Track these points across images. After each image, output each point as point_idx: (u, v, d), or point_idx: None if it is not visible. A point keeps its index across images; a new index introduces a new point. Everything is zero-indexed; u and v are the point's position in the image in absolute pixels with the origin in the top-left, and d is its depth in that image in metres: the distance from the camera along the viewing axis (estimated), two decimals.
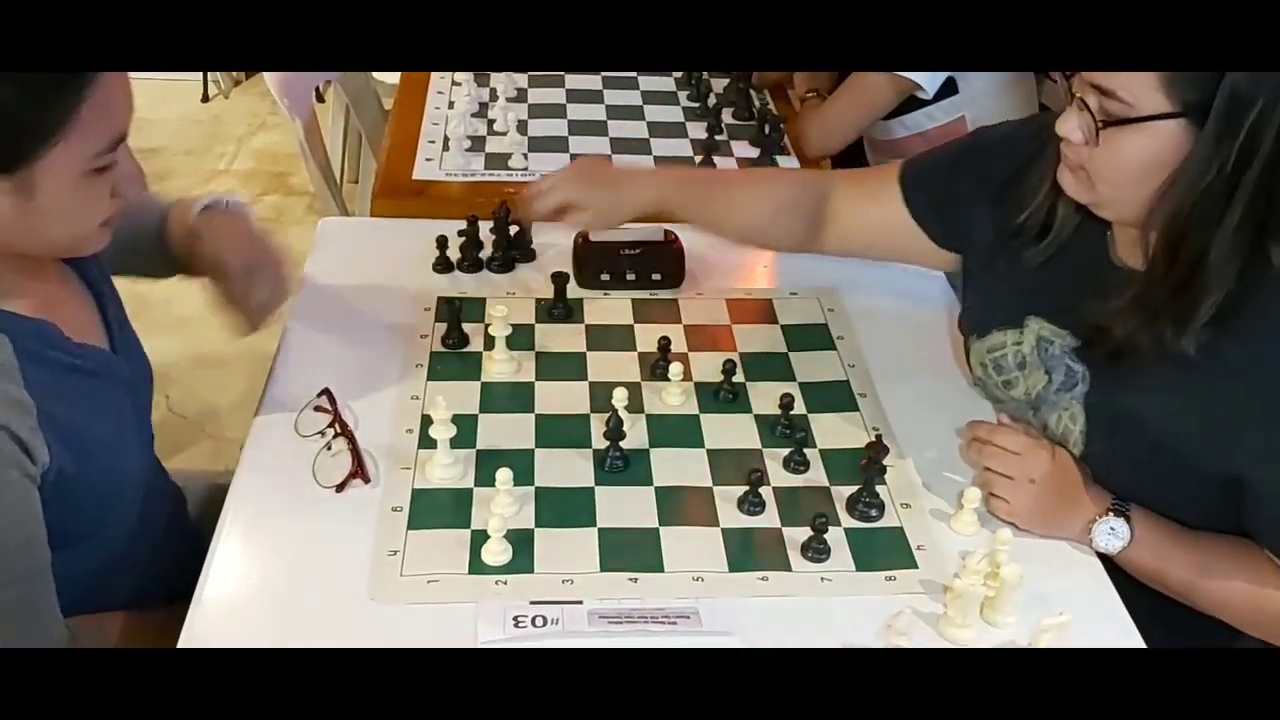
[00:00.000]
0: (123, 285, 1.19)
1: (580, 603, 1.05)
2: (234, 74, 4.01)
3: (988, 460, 1.17)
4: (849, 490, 1.19)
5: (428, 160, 1.81)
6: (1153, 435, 1.11)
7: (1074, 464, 1.16)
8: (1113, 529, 1.13)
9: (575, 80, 2.09)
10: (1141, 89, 0.99)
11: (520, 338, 1.40)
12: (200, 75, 3.88)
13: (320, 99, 3.05)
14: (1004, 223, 1.23)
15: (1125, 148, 1.02)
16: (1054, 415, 1.19)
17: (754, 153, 1.87)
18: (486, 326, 1.35)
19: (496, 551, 1.09)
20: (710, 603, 1.07)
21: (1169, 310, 1.05)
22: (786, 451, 1.24)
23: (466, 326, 1.39)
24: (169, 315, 2.54)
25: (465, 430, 1.22)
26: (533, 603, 1.05)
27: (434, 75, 2.08)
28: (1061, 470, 1.15)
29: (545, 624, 1.03)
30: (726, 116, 1.98)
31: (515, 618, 1.03)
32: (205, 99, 3.93)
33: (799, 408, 1.30)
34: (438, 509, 1.15)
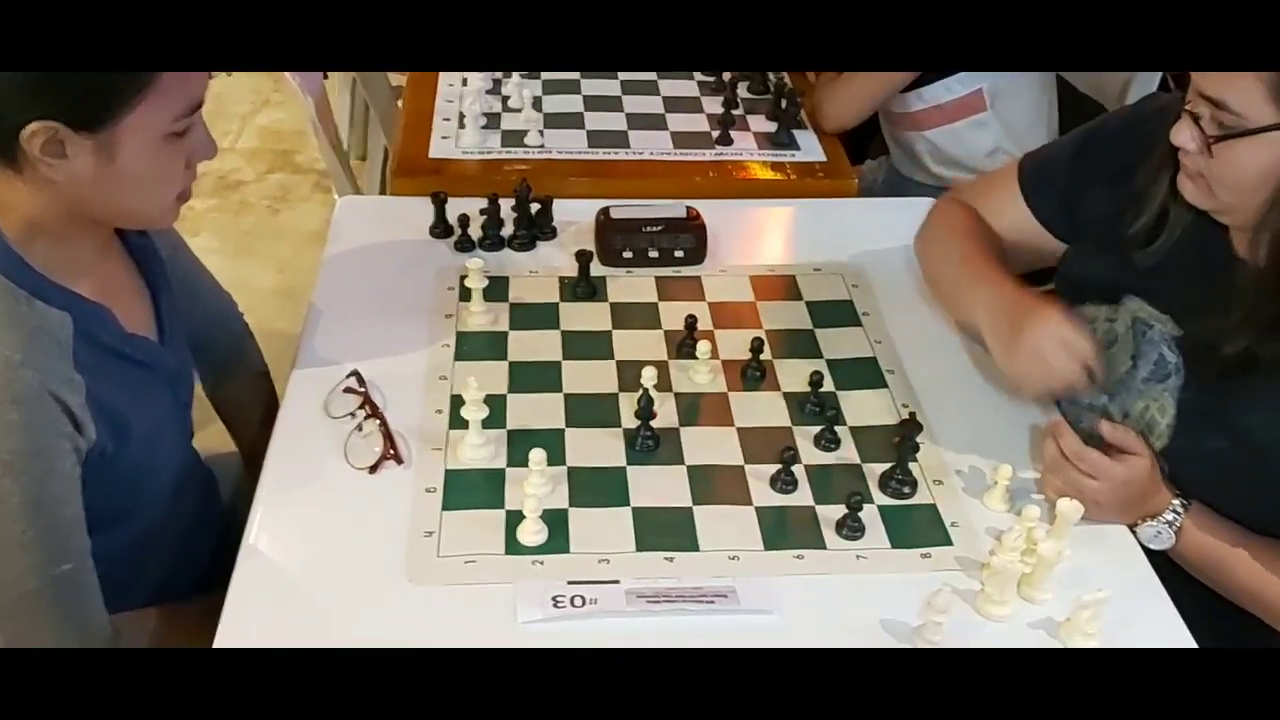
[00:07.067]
0: None
1: (618, 582, 1.05)
2: None
3: (1070, 463, 1.14)
4: (881, 468, 1.19)
5: (444, 138, 1.79)
6: (1258, 445, 1.10)
7: (1140, 482, 1.12)
8: (1159, 533, 1.13)
9: None
10: (1251, 101, 0.98)
11: (544, 316, 1.40)
12: None
13: (326, 75, 3.03)
14: (1117, 204, 1.21)
15: (1241, 158, 1.02)
16: (1139, 404, 1.17)
17: (770, 127, 1.86)
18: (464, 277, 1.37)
19: (532, 532, 1.09)
20: (747, 581, 1.07)
21: None
22: (817, 429, 1.23)
23: (489, 304, 1.39)
24: None
25: (495, 410, 1.21)
26: (570, 583, 1.05)
27: None
28: (1126, 491, 1.12)
29: (584, 604, 1.03)
30: (742, 91, 1.96)
31: (554, 598, 1.03)
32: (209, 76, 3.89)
33: (828, 385, 1.30)
34: (471, 490, 1.15)
